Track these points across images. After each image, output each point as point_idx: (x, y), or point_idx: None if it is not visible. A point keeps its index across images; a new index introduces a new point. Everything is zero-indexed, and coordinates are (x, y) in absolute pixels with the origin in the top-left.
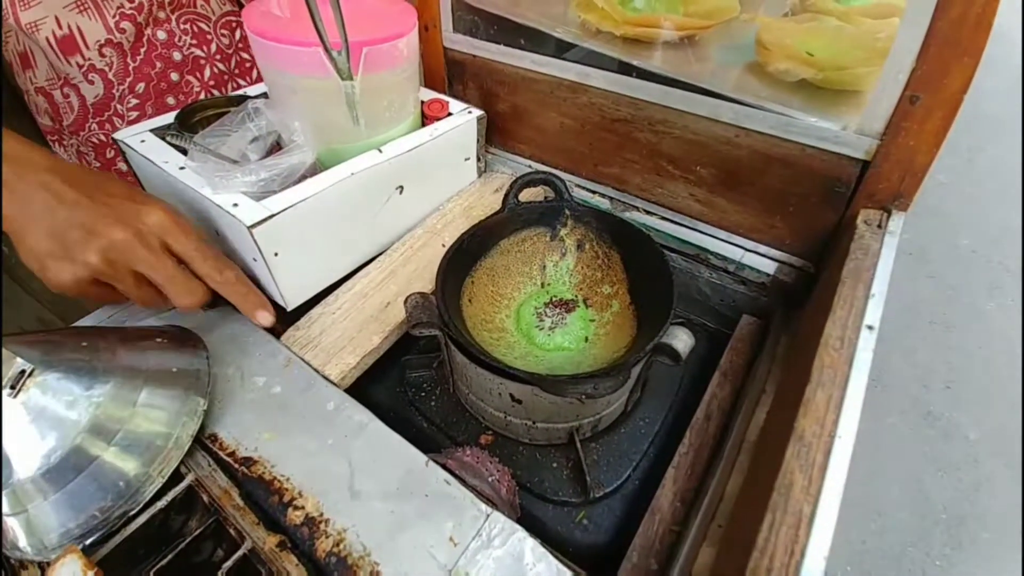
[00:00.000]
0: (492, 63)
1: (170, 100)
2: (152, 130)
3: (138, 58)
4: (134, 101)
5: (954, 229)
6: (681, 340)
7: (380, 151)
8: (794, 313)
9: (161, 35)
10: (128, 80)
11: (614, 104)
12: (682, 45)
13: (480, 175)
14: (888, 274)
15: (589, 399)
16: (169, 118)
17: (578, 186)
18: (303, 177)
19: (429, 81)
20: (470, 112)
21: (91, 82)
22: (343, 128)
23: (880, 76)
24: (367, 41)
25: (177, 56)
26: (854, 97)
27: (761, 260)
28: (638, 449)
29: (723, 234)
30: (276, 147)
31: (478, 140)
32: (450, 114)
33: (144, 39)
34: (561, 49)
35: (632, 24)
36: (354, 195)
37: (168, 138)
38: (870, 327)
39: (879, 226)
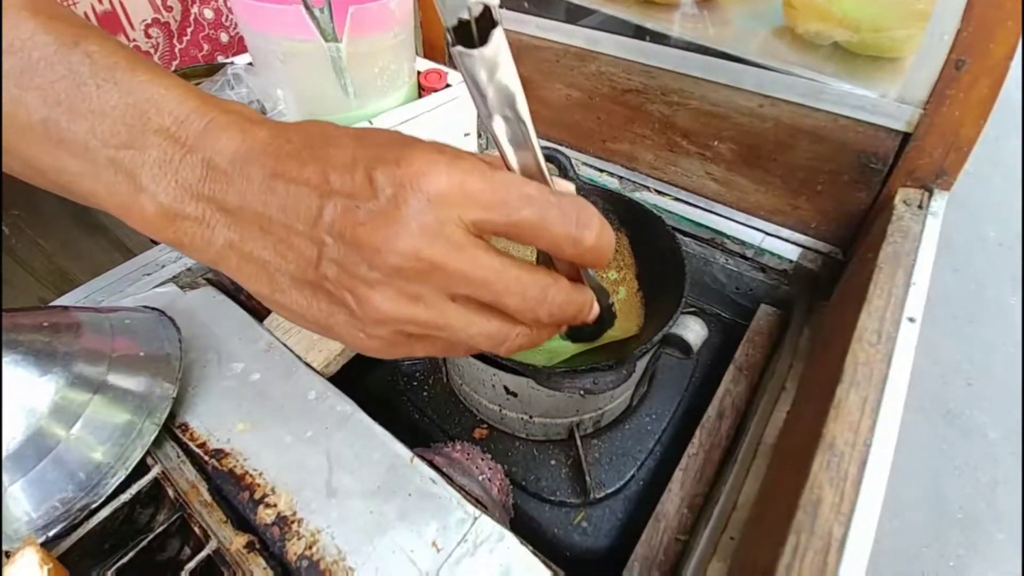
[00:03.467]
0: None
1: None
2: None
3: (185, 39)
4: None
5: (980, 220)
6: (693, 331)
7: (371, 123)
8: (819, 303)
9: (208, 14)
10: (174, 63)
11: (625, 73)
12: (702, 7)
13: (481, 152)
14: (931, 260)
15: (588, 395)
16: None
17: (585, 164)
18: None
19: (428, 52)
20: None
21: None
22: (330, 97)
23: (923, 38)
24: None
25: (224, 37)
26: (891, 64)
27: (783, 245)
28: (643, 447)
29: (742, 216)
30: None
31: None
32: (448, 85)
33: (191, 18)
34: (571, 16)
35: None
36: None
37: None
38: (911, 319)
39: (920, 206)
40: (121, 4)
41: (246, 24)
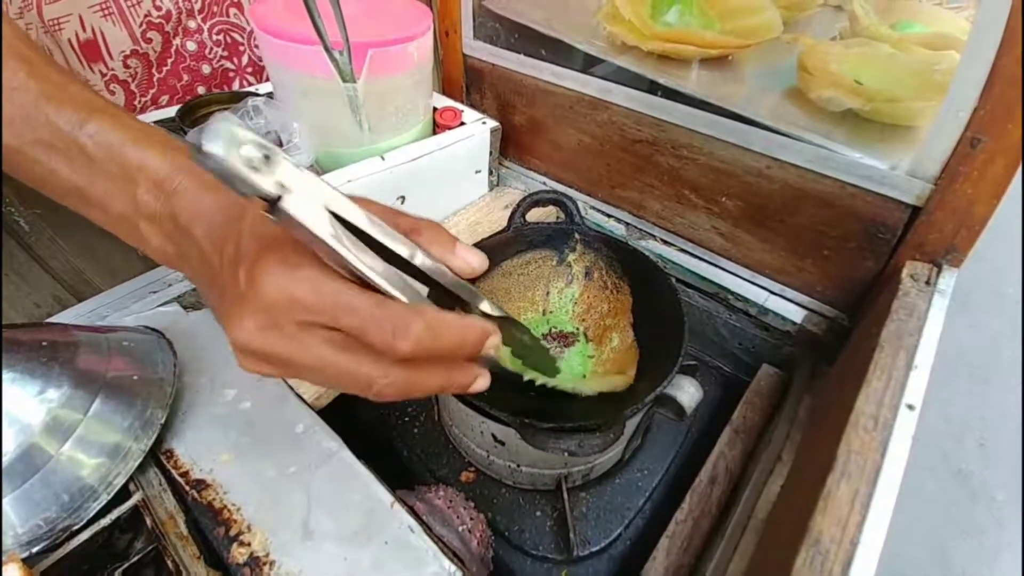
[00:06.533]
0: (511, 73)
1: None
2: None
3: (164, 69)
4: (155, 114)
5: (999, 276)
6: (687, 393)
7: (383, 158)
8: (822, 369)
9: (191, 46)
10: (151, 92)
11: (636, 124)
12: (716, 65)
13: (491, 189)
14: (935, 341)
15: (573, 457)
16: (171, 112)
17: (593, 208)
18: None
19: (447, 88)
20: (484, 123)
21: (112, 92)
22: (346, 132)
23: (938, 113)
24: (374, 42)
25: (206, 69)
26: (904, 133)
27: (787, 306)
28: (632, 505)
29: (746, 273)
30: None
31: (491, 152)
32: (463, 123)
33: (172, 50)
34: (588, 64)
35: (662, 39)
36: None
37: None
38: (910, 406)
39: (927, 283)
40: (102, 34)
41: (270, 59)
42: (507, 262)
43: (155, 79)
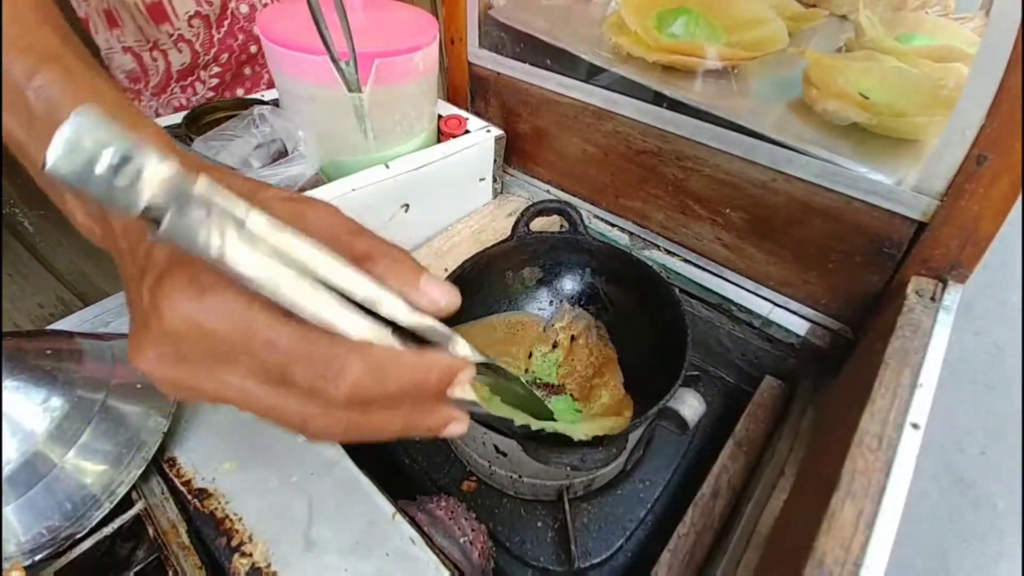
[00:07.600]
0: (516, 81)
1: (247, 71)
2: None
3: (222, 30)
4: (216, 69)
5: (1004, 284)
6: (690, 406)
7: (387, 167)
8: (825, 381)
9: (244, 8)
10: (212, 51)
11: (641, 134)
12: (721, 76)
13: (495, 196)
14: (940, 359)
15: (575, 471)
16: (177, 118)
17: (597, 217)
18: (303, 190)
19: (452, 95)
20: (488, 131)
21: (180, 50)
22: (351, 140)
23: (945, 129)
24: (380, 52)
25: (258, 30)
26: (910, 147)
27: (791, 318)
28: (634, 516)
29: (750, 284)
30: (282, 155)
31: (495, 160)
32: (467, 132)
33: (228, 12)
34: (591, 73)
35: (666, 51)
36: (355, 211)
37: None
38: (915, 425)
39: (932, 298)
40: None
41: (277, 68)
42: (494, 316)
43: (215, 39)
